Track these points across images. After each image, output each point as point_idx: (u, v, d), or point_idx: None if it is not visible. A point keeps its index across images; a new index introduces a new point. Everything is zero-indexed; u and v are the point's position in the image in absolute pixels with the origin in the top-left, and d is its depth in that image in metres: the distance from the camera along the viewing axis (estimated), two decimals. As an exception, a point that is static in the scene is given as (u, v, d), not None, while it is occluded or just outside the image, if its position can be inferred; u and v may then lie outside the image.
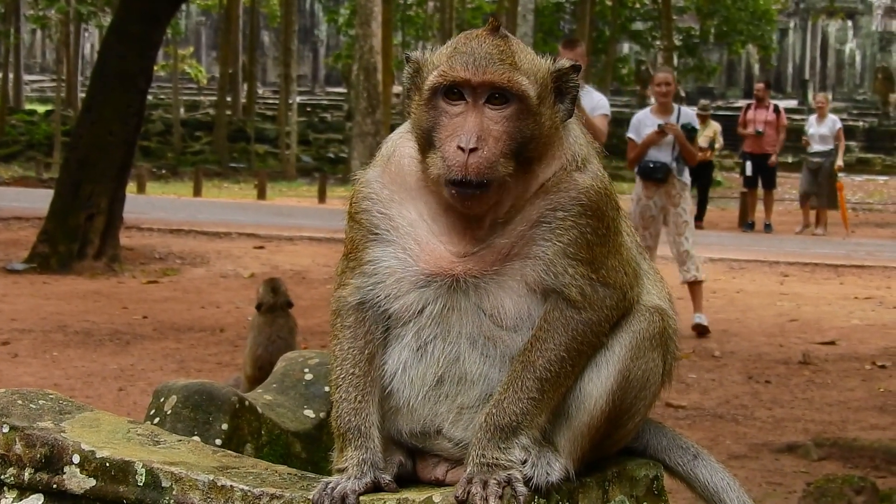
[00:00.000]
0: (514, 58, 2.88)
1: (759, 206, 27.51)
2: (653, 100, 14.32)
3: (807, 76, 64.13)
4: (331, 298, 3.10)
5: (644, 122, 13.65)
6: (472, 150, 2.80)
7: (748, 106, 27.04)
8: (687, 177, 13.77)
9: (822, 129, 25.84)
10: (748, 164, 26.57)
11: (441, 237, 2.94)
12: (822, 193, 26.08)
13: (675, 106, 13.87)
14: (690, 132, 13.73)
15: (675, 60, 32.07)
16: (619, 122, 45.89)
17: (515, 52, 2.90)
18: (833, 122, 26.19)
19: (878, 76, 61.27)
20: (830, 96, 27.83)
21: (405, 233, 2.97)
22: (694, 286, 13.74)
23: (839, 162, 26.06)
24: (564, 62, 2.97)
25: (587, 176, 2.96)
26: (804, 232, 26.54)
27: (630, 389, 3.00)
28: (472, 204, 2.84)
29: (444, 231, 2.94)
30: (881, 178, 48.13)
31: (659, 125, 13.43)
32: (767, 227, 26.97)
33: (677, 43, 48.74)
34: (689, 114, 14.31)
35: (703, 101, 30.96)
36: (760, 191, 27.19)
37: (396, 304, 2.97)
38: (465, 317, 2.93)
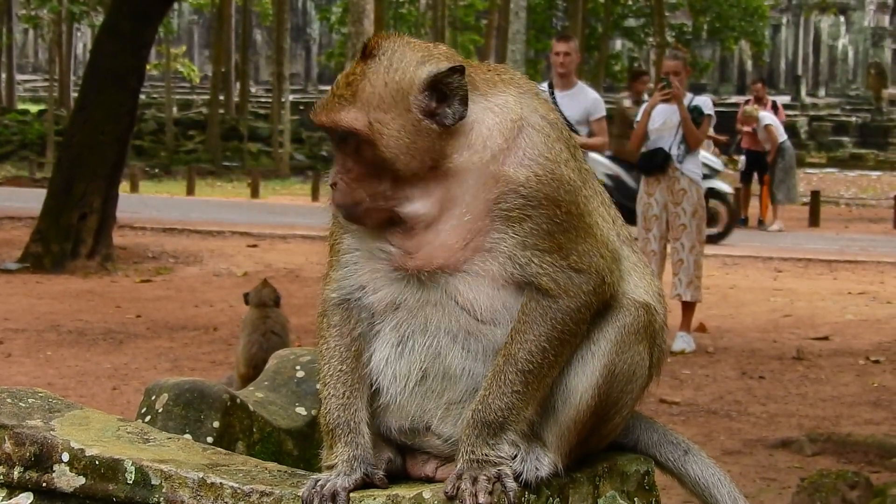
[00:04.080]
0: (354, 88, 2.89)
1: (754, 203, 27.54)
2: (647, 96, 13.89)
3: (799, 72, 64.21)
4: (318, 300, 3.11)
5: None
6: (334, 185, 2.93)
7: (746, 102, 26.97)
8: (693, 170, 12.53)
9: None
10: (742, 159, 26.58)
11: (390, 239, 2.96)
12: (779, 188, 26.02)
13: (689, 94, 12.95)
14: (694, 111, 12.57)
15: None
16: (611, 119, 45.93)
17: (366, 77, 2.90)
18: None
19: (870, 72, 61.41)
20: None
21: (375, 238, 2.98)
22: (683, 304, 12.59)
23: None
24: (442, 66, 2.90)
25: (521, 170, 2.89)
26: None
27: (616, 384, 2.99)
28: (354, 221, 2.95)
29: (397, 232, 2.95)
30: (874, 174, 48.24)
31: (661, 77, 12.80)
32: (761, 224, 26.96)
33: (670, 39, 48.76)
34: (701, 100, 13.06)
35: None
36: (755, 188, 27.20)
37: (373, 298, 2.98)
38: (442, 311, 2.92)
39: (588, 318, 2.93)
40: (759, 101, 26.35)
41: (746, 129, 26.07)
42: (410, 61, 2.91)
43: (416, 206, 2.90)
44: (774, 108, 26.76)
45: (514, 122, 2.94)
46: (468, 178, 2.90)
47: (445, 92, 2.88)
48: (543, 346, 2.86)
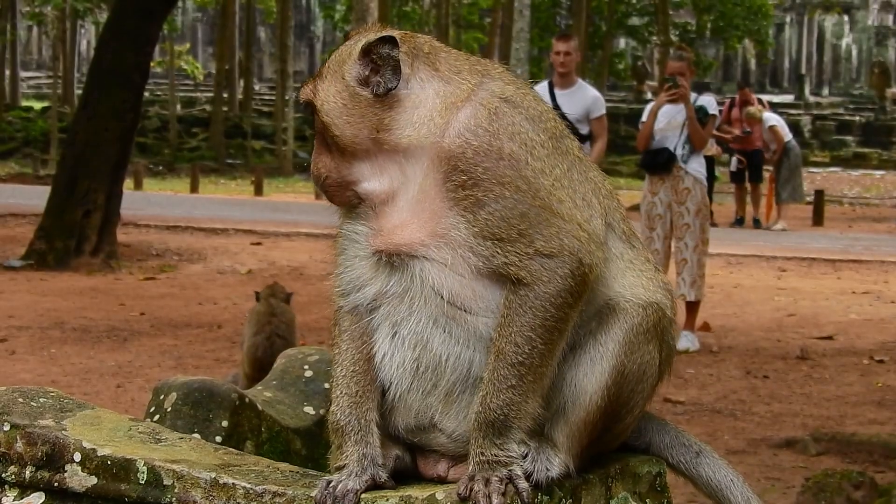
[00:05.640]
0: (323, 66, 3.08)
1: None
2: (650, 94, 13.86)
3: (803, 71, 64.16)
4: (326, 299, 3.14)
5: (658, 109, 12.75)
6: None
7: (731, 104, 26.79)
8: (697, 169, 12.57)
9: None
10: (733, 160, 26.50)
11: (370, 219, 3.02)
12: (784, 187, 26.00)
13: (693, 94, 12.86)
14: (699, 111, 12.59)
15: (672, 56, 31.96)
16: (615, 117, 45.97)
17: (328, 61, 3.08)
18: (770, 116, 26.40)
19: (874, 71, 61.32)
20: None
21: (357, 222, 3.05)
22: (687, 304, 12.57)
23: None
24: (370, 38, 3.00)
25: (456, 140, 2.91)
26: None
27: (626, 384, 2.99)
28: (327, 198, 3.10)
29: (372, 214, 3.02)
30: (878, 173, 48.20)
31: (667, 77, 12.86)
32: (756, 223, 26.89)
33: (674, 38, 48.72)
34: (706, 99, 13.10)
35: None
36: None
37: (367, 291, 3.01)
38: (421, 297, 2.93)
39: (574, 303, 2.90)
40: (746, 103, 26.22)
41: (736, 132, 25.85)
42: (360, 38, 3.04)
43: (372, 184, 2.99)
44: (759, 104, 26.73)
45: (459, 101, 2.97)
46: (418, 156, 2.94)
47: (378, 61, 2.96)
48: (529, 335, 2.85)
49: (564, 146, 3.01)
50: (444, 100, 2.96)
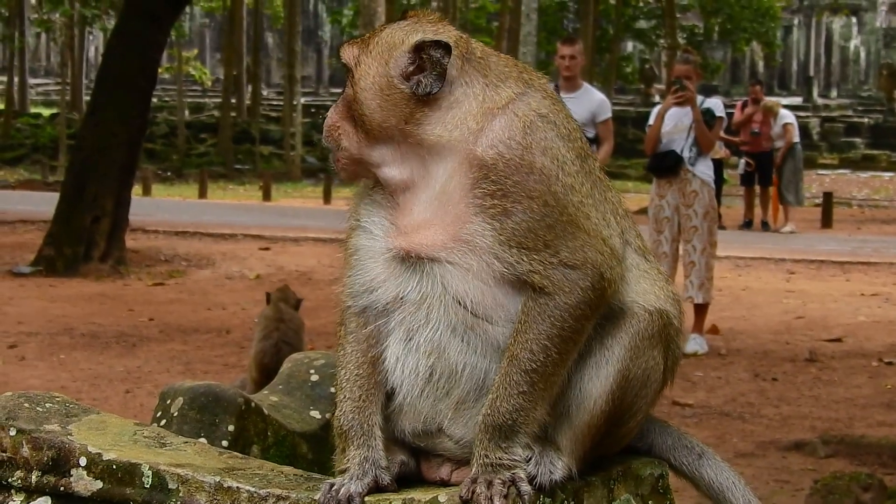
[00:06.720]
0: (370, 38, 3.06)
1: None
2: (657, 97, 13.77)
3: (811, 73, 64.12)
4: (334, 304, 3.13)
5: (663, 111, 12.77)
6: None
7: (744, 104, 26.79)
8: (704, 172, 12.55)
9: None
10: (741, 163, 26.45)
11: (390, 212, 3.02)
12: (788, 189, 25.96)
13: (701, 97, 12.87)
14: (706, 113, 12.58)
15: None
16: (623, 120, 45.96)
17: (380, 34, 3.05)
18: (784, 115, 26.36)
19: (882, 72, 61.28)
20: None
21: (375, 213, 3.05)
22: (695, 307, 12.56)
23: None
24: (426, 36, 2.98)
25: (489, 151, 2.92)
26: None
27: (630, 389, 3.00)
28: (337, 168, 3.07)
29: (392, 206, 3.02)
30: (886, 175, 48.16)
31: (674, 80, 12.80)
32: (765, 225, 26.84)
33: (681, 41, 48.72)
34: (713, 101, 13.08)
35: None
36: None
37: (380, 293, 3.00)
38: (441, 304, 2.93)
39: (591, 315, 2.92)
40: (756, 102, 26.18)
41: (739, 138, 25.78)
42: (417, 28, 3.02)
43: (392, 171, 2.98)
44: None
45: (496, 110, 2.96)
46: (444, 155, 2.94)
47: (426, 62, 2.95)
48: (545, 344, 2.87)
49: (589, 166, 3.03)
50: (482, 105, 2.96)
